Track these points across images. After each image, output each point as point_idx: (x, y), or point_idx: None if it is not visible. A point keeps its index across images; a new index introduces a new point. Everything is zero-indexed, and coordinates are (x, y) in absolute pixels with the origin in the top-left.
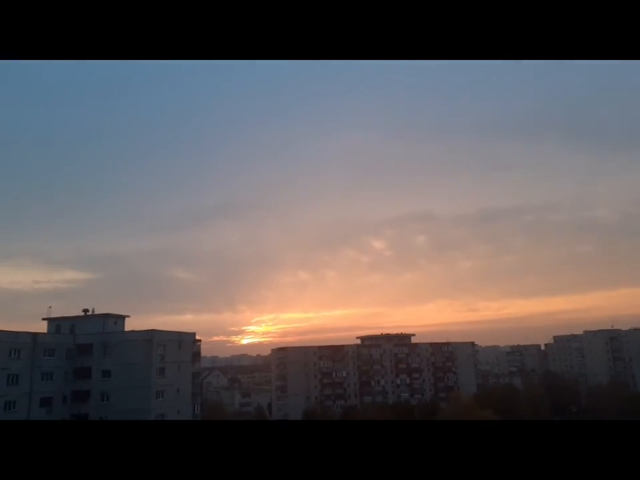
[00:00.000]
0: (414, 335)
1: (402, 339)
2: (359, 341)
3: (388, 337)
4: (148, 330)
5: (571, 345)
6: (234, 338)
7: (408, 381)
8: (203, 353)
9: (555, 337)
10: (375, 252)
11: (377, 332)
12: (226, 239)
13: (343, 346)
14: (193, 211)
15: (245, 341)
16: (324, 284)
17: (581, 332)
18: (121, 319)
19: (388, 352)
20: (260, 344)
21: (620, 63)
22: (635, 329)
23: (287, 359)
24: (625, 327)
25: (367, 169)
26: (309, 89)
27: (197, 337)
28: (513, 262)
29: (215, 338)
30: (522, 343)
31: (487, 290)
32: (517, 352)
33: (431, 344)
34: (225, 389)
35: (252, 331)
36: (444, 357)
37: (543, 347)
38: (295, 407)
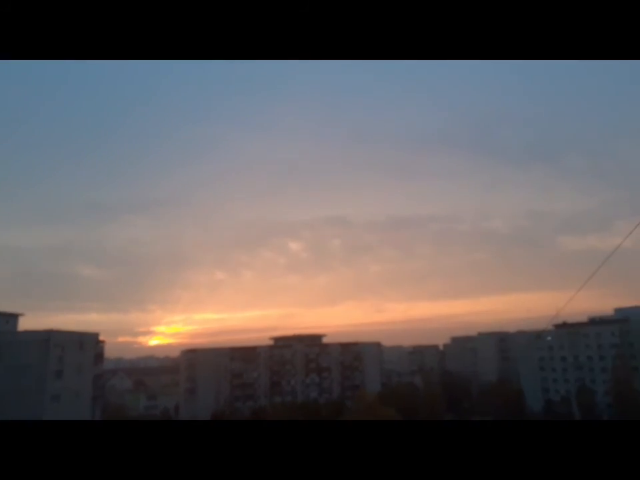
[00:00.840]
0: (325, 335)
1: (313, 340)
2: (272, 342)
3: (300, 338)
4: (45, 330)
5: (466, 346)
6: (141, 339)
7: (317, 380)
8: (108, 354)
9: (452, 338)
10: (292, 253)
11: (290, 333)
12: (138, 236)
13: (254, 347)
14: (103, 205)
15: (153, 342)
16: (240, 284)
17: (475, 333)
18: (13, 317)
19: (299, 352)
20: (169, 345)
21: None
22: (521, 332)
23: (196, 360)
24: (512, 330)
25: (287, 172)
26: (232, 89)
27: (101, 338)
28: (418, 267)
29: (121, 339)
30: (423, 344)
31: (393, 292)
32: (418, 352)
33: (341, 344)
34: (129, 391)
35: (161, 332)
36: (352, 356)
37: (441, 348)
38: (204, 409)
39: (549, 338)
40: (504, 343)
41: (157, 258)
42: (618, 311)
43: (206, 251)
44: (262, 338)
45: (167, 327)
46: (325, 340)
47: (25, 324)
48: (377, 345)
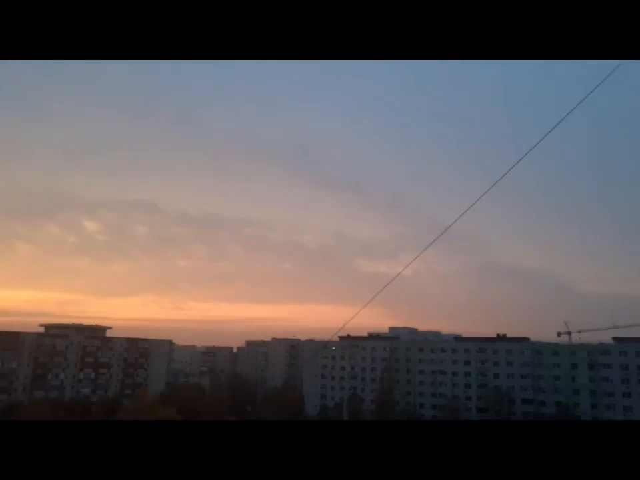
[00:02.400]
0: (110, 327)
1: (96, 331)
2: (42, 329)
3: (79, 328)
4: None
5: (259, 350)
6: None
7: (93, 376)
8: None
9: (247, 341)
10: (86, 233)
11: (69, 321)
12: None
13: (18, 333)
14: None
15: None
16: (11, 259)
17: (269, 339)
18: None
19: (76, 344)
20: None
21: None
22: (311, 340)
23: None
24: (304, 338)
25: (94, 144)
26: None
27: None
28: (226, 268)
29: None
30: (218, 345)
31: (196, 291)
32: (212, 353)
33: (128, 339)
34: None
35: None
36: (138, 353)
37: (235, 350)
38: None
39: (334, 348)
40: (294, 350)
41: None
42: (392, 329)
43: None
44: (30, 323)
45: None
46: (110, 333)
47: None
48: (169, 343)
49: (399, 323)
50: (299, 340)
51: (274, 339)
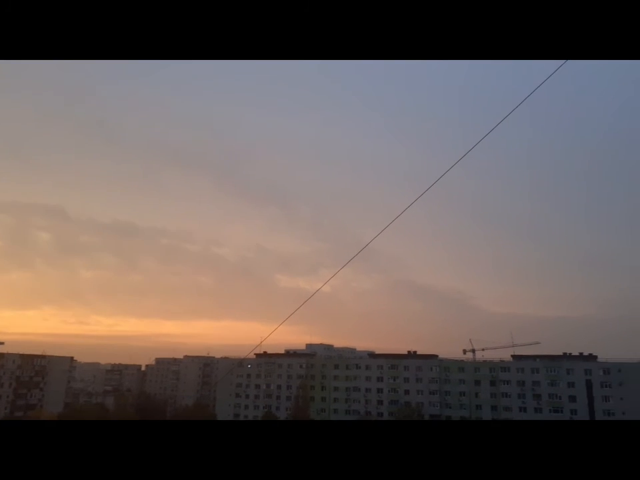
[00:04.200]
0: (2, 343)
1: None
2: None
3: None
4: None
5: (170, 368)
6: None
7: None
8: None
9: (157, 359)
10: None
11: None
12: None
13: None
14: None
15: None
16: None
17: (181, 356)
18: None
19: None
20: None
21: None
22: (225, 358)
23: None
24: (219, 355)
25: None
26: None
27: None
28: (138, 280)
29: None
30: (125, 362)
31: (103, 304)
32: (117, 371)
33: (22, 355)
34: None
35: None
36: (34, 371)
37: (143, 368)
38: None
39: (249, 366)
40: (207, 368)
41: None
42: (308, 345)
43: None
44: None
45: None
46: (2, 349)
47: None
48: (69, 360)
49: (315, 339)
50: (213, 358)
51: (186, 356)
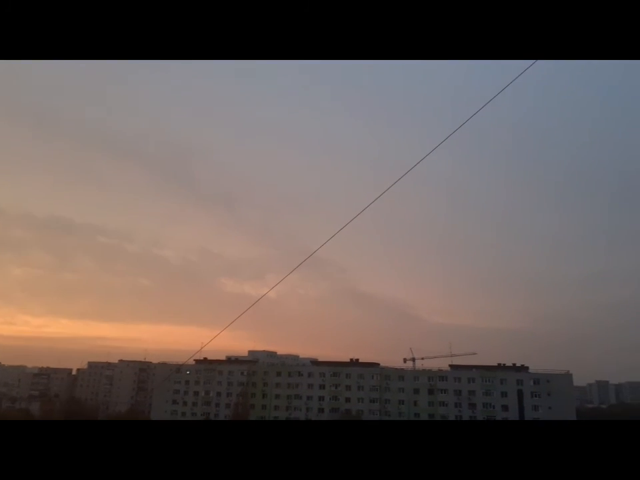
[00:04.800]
0: None
1: None
2: None
3: None
4: None
5: (103, 373)
6: None
7: None
8: None
9: (89, 363)
10: None
11: None
12: None
13: None
14: None
15: None
16: None
17: (116, 360)
18: None
19: None
20: None
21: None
22: (163, 363)
23: None
24: (156, 360)
25: None
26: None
27: None
28: (71, 279)
29: None
30: (54, 366)
31: (33, 304)
32: (45, 374)
33: None
34: None
35: None
36: None
37: (74, 372)
38: None
39: (188, 372)
40: (144, 373)
41: None
42: (251, 352)
43: None
44: None
45: None
46: None
47: None
48: None
49: (259, 346)
50: (150, 363)
51: (121, 360)
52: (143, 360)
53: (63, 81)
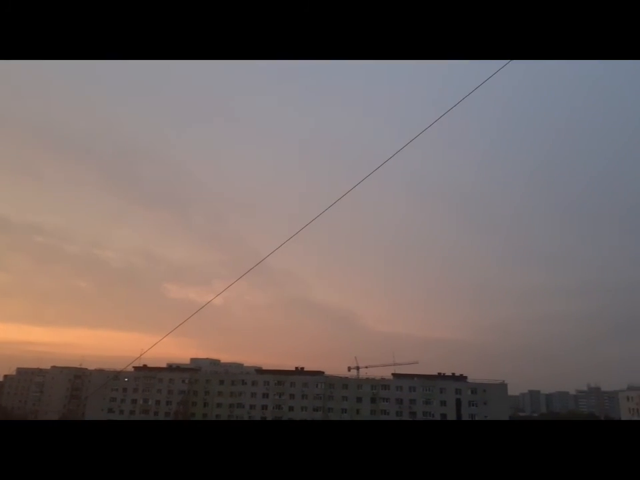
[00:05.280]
0: None
1: None
2: None
3: None
4: None
5: (33, 379)
6: None
7: None
8: None
9: (18, 369)
10: None
11: None
12: None
13: None
14: None
15: None
16: None
17: (49, 366)
18: None
19: None
20: None
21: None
22: (100, 370)
23: None
24: (93, 366)
25: None
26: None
27: None
28: (3, 280)
29: None
30: None
31: None
32: None
33: None
34: None
35: None
36: None
37: (1, 378)
38: None
39: (126, 379)
40: (78, 380)
41: None
42: (193, 360)
43: None
44: None
45: None
46: None
47: None
48: None
49: (202, 353)
50: (86, 369)
51: (54, 367)
52: (79, 366)
53: (3, 76)
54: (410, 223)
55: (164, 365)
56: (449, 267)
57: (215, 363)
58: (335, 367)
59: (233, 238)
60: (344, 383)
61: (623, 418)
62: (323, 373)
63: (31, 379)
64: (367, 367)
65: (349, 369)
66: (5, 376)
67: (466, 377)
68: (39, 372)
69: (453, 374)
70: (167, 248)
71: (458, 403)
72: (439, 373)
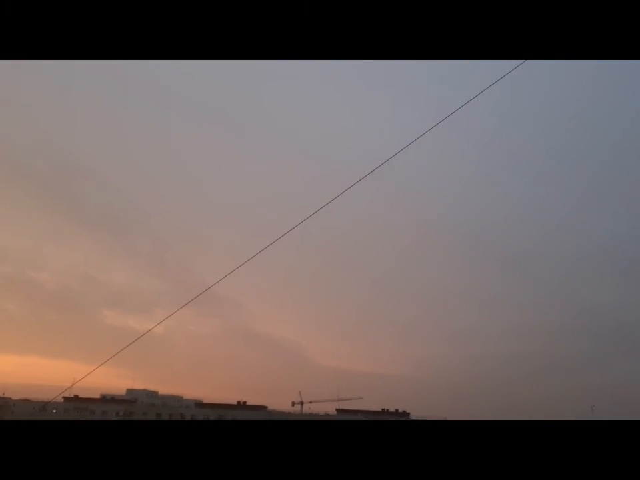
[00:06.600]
0: None
1: None
2: None
3: None
4: None
5: None
6: None
7: None
8: None
9: None
10: None
11: None
12: None
13: None
14: None
15: None
16: None
17: None
18: None
19: None
20: None
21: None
22: (25, 400)
23: None
24: (16, 396)
25: None
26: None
27: None
28: None
29: None
30: None
31: None
32: None
33: None
34: None
35: None
36: None
37: None
38: None
39: (55, 411)
40: (1, 411)
41: None
42: (129, 391)
43: None
44: None
45: None
46: None
47: None
48: None
49: (139, 384)
50: (9, 399)
51: None
52: (1, 395)
53: None
54: (359, 253)
55: (97, 396)
56: (394, 301)
57: (152, 394)
58: (279, 401)
59: (178, 265)
60: (287, 418)
61: None
62: (266, 407)
63: None
64: (311, 402)
65: (293, 403)
66: None
67: (409, 413)
68: None
69: (396, 410)
70: (107, 272)
71: None
72: (382, 409)
